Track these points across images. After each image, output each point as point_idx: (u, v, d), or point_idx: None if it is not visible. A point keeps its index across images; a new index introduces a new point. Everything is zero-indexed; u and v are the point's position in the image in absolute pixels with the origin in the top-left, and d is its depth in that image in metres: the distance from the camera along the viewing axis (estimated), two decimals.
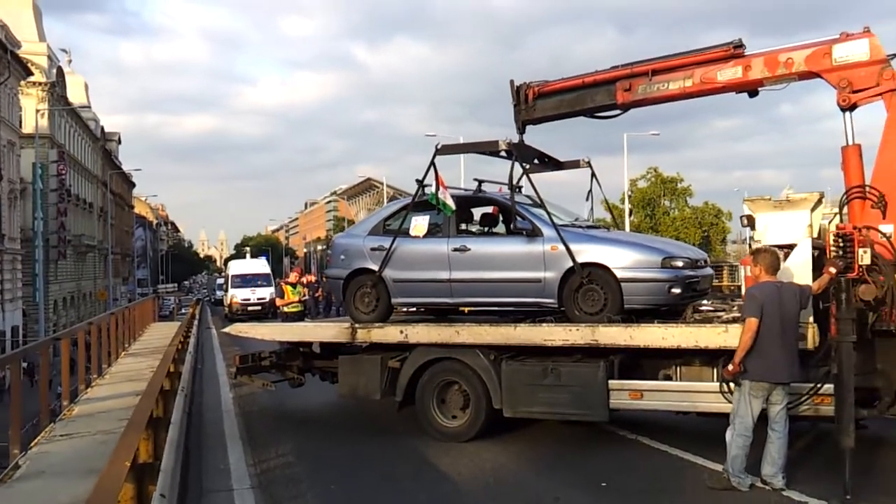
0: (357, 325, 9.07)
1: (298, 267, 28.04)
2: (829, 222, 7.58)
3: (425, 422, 8.63)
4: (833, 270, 6.47)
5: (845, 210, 7.27)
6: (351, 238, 10.00)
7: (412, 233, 9.01)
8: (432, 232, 9.00)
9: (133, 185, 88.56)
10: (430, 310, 9.85)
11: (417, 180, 8.98)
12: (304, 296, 15.74)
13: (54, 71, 49.54)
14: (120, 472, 3.77)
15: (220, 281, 58.32)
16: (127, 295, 68.56)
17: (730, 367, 6.53)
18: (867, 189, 7.12)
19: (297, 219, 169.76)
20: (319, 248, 56.89)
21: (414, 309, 10.17)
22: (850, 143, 7.32)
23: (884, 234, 6.91)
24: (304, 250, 79.64)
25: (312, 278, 21.86)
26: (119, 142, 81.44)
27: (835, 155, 7.40)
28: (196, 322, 28.86)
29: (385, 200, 49.94)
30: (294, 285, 15.06)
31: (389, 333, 8.86)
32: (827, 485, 6.26)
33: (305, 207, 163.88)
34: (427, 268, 8.91)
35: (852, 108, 7.31)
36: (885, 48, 7.21)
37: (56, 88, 49.47)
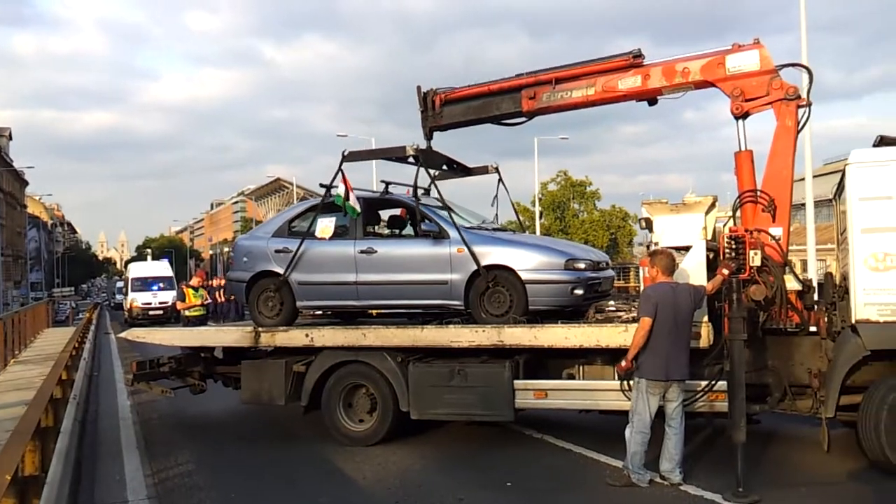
0: (261, 330, 8.85)
1: (202, 270, 27.21)
2: (723, 225, 7.91)
3: (331, 426, 8.50)
4: (726, 271, 6.75)
5: (738, 213, 7.60)
6: (254, 240, 9.76)
7: (318, 234, 8.86)
8: (339, 234, 8.88)
9: (26, 183, 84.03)
10: (336, 313, 9.72)
11: (323, 184, 8.86)
12: (207, 299, 15.29)
13: None
14: None
15: (120, 284, 56.06)
16: (19, 299, 65.03)
17: (622, 363, 6.74)
18: (758, 193, 7.46)
19: (202, 220, 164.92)
20: (226, 250, 55.49)
21: (320, 312, 10.01)
22: (743, 149, 7.67)
23: (773, 237, 7.27)
24: (210, 252, 77.53)
25: (222, 281, 21.29)
26: (10, 138, 77.16)
27: (732, 160, 7.72)
28: (93, 327, 27.67)
29: (295, 201, 49.19)
30: (196, 288, 14.61)
31: (294, 337, 8.69)
32: (721, 478, 6.49)
33: (212, 208, 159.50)
34: (333, 270, 8.78)
35: (745, 116, 7.66)
36: (774, 59, 7.58)
37: None
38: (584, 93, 8.27)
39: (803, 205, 21.37)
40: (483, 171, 10.12)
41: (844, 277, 7.51)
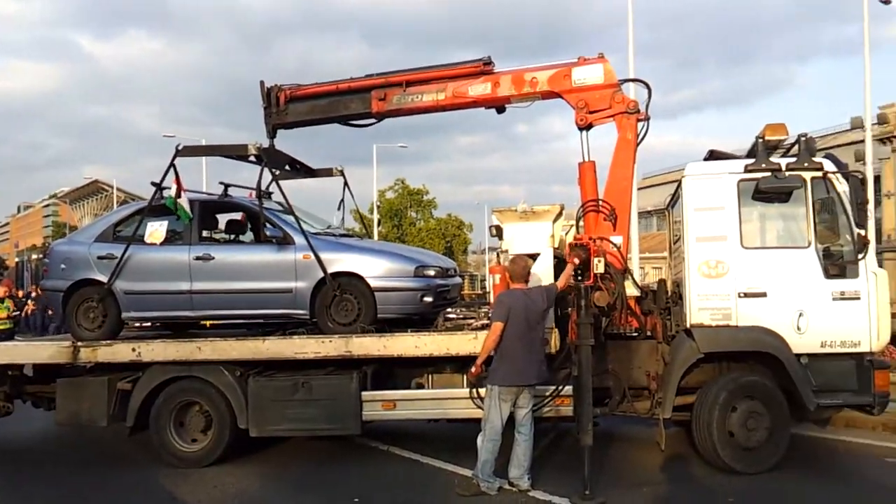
0: (80, 344, 7.99)
1: (8, 279, 24.62)
2: (566, 233, 8.08)
3: (161, 448, 7.82)
4: (577, 261, 6.87)
5: (582, 222, 7.80)
6: (74, 245, 8.80)
7: (147, 240, 8.16)
8: (171, 239, 8.22)
9: None
10: (167, 324, 9.00)
11: (154, 183, 8.16)
12: (14, 311, 13.78)
13: None
14: None
15: None
16: None
17: (472, 369, 6.69)
18: (600, 203, 7.69)
19: (7, 224, 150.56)
20: (35, 257, 50.85)
21: (149, 324, 9.24)
22: (587, 160, 7.88)
23: (615, 245, 7.52)
24: (17, 260, 70.76)
25: (35, 290, 19.39)
26: None
27: (564, 172, 8.00)
28: None
29: (115, 205, 45.93)
30: (2, 300, 13.12)
31: (119, 352, 7.92)
32: (568, 482, 6.59)
33: (19, 211, 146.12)
34: (164, 278, 8.11)
35: (588, 127, 7.89)
36: (617, 74, 7.87)
37: None
38: (434, 97, 8.20)
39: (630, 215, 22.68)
40: (328, 173, 9.80)
41: (678, 284, 7.91)
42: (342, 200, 9.62)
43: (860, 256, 7.05)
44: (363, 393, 7.51)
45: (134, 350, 7.86)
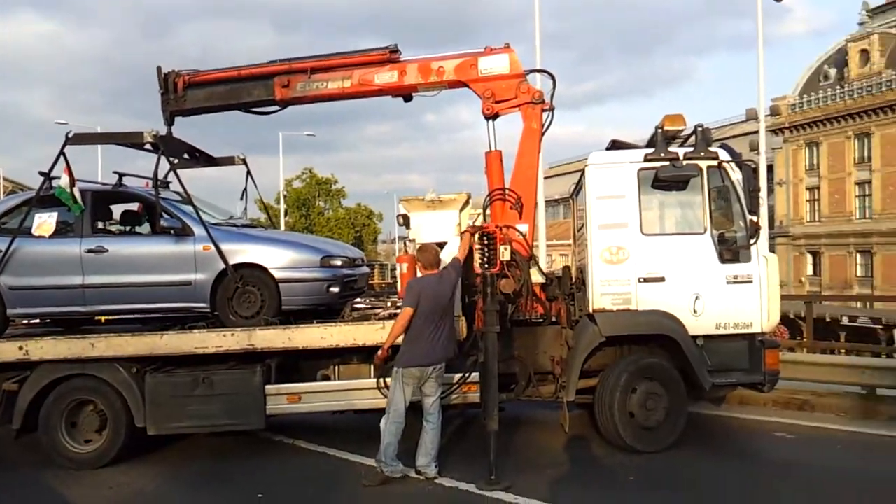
0: None
1: None
2: (474, 221, 8.11)
3: (52, 450, 7.42)
4: (469, 234, 6.90)
5: (488, 210, 7.84)
6: None
7: (35, 232, 7.70)
8: (61, 231, 7.78)
9: None
10: (57, 321, 8.55)
11: (42, 172, 7.71)
12: None
13: None
14: None
15: None
16: None
17: (379, 352, 6.67)
18: (507, 191, 7.75)
19: None
20: None
21: (38, 321, 8.74)
22: (493, 149, 7.92)
23: (521, 233, 7.61)
24: None
25: None
26: None
27: (472, 161, 8.02)
28: None
29: (1, 195, 43.39)
30: None
31: (5, 350, 7.46)
32: (474, 468, 6.62)
33: None
34: (54, 272, 7.68)
35: (494, 117, 7.94)
36: (523, 64, 7.92)
37: None
38: (340, 84, 8.08)
39: (535, 203, 23.08)
40: (229, 161, 9.49)
41: (581, 270, 8.07)
42: (245, 189, 9.34)
43: (752, 242, 7.35)
44: (267, 386, 7.34)
45: (21, 348, 7.42)
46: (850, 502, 6.07)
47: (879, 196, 43.60)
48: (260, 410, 7.32)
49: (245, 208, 9.35)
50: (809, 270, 48.16)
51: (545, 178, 23.43)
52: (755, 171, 7.52)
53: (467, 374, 7.26)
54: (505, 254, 7.04)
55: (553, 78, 8.11)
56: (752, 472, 6.89)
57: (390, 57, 8.03)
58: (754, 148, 23.40)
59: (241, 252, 7.60)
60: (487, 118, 7.94)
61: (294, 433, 8.34)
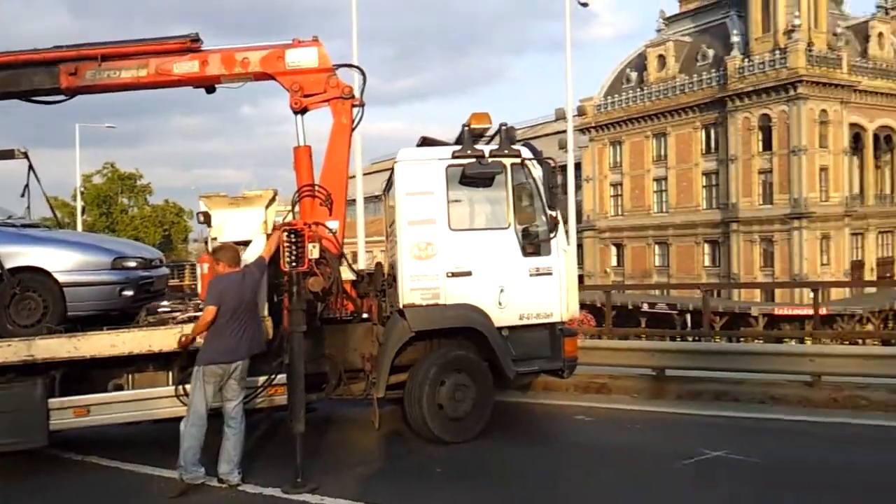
0: None
1: None
2: (283, 219, 7.87)
3: None
4: (280, 231, 6.72)
5: (297, 207, 7.64)
6: None
7: None
8: None
9: None
10: None
11: None
12: None
13: None
14: None
15: None
16: None
17: (182, 338, 6.50)
18: (316, 188, 7.59)
19: None
20: None
21: None
22: (302, 144, 7.73)
23: (330, 230, 7.49)
24: None
25: None
26: None
27: (291, 156, 7.72)
28: None
29: None
30: None
31: None
32: (279, 472, 6.40)
33: None
34: None
35: (303, 111, 7.76)
36: (332, 59, 7.77)
37: None
38: (134, 73, 7.57)
39: (354, 200, 22.98)
40: (9, 155, 8.54)
41: (392, 266, 8.09)
42: (27, 186, 8.48)
43: (552, 235, 7.70)
44: (50, 400, 6.71)
45: None
46: (649, 478, 6.42)
47: (674, 192, 47.70)
48: (42, 426, 6.68)
49: (28, 206, 8.51)
50: (614, 261, 51.85)
51: (365, 174, 23.50)
52: (554, 168, 7.87)
53: (273, 377, 7.03)
54: (314, 251, 6.88)
55: (363, 73, 8.05)
56: (554, 455, 7.23)
57: (191, 46, 7.62)
58: (563, 146, 24.63)
59: (19, 255, 6.95)
60: (296, 112, 7.74)
61: (83, 449, 7.65)
